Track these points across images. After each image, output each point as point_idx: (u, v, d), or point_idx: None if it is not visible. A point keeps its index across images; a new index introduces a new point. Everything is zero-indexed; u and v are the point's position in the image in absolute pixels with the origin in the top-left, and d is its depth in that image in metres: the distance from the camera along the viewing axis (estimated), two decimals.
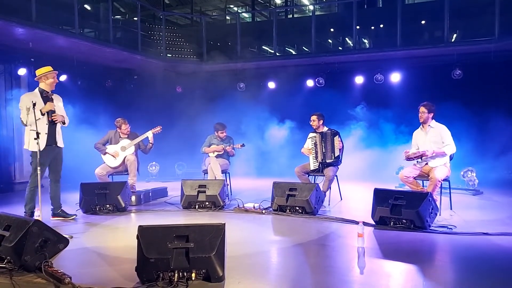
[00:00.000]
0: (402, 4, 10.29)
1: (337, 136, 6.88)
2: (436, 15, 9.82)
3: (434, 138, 6.06)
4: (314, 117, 7.07)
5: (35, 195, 5.58)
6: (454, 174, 6.68)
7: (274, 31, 10.79)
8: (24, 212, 5.63)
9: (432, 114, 6.13)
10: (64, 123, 5.87)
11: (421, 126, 6.29)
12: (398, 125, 9.96)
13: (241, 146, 7.82)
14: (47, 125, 5.61)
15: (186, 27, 15.54)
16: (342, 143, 6.94)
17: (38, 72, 5.67)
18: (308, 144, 7.05)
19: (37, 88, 5.69)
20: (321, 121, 7.06)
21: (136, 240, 3.39)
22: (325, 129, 7.07)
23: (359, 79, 10.38)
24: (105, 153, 7.33)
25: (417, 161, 6.09)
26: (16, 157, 9.37)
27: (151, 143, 7.45)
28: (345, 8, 12.54)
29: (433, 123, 6.15)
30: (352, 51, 10.86)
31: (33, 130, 5.23)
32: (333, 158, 6.80)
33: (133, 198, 6.95)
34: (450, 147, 5.94)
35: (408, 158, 6.06)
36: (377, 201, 5.28)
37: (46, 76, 5.65)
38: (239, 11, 17.68)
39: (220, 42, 12.44)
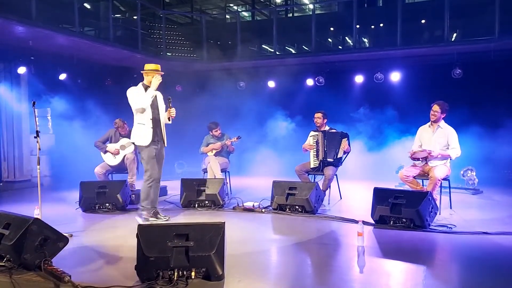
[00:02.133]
0: (402, 3, 10.27)
1: (346, 138, 6.88)
2: (436, 14, 9.81)
3: (441, 139, 6.01)
4: (319, 115, 7.07)
5: (156, 190, 5.70)
6: (454, 173, 6.67)
7: (274, 30, 10.77)
8: (143, 208, 5.61)
9: (444, 114, 6.04)
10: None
11: (429, 123, 6.18)
12: (398, 124, 9.96)
13: (237, 138, 7.80)
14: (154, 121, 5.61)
15: (186, 25, 15.51)
16: (350, 147, 6.94)
17: (148, 66, 5.63)
18: (310, 142, 7.05)
19: (141, 83, 5.63)
20: (325, 120, 7.09)
21: (136, 239, 3.39)
22: (327, 128, 7.09)
23: (359, 78, 10.37)
24: (105, 151, 7.33)
25: (422, 161, 6.06)
26: (16, 157, 9.36)
27: None
28: (345, 7, 12.53)
29: (442, 123, 6.07)
30: (352, 50, 10.85)
31: (142, 124, 5.45)
32: (335, 158, 6.80)
33: (133, 196, 6.94)
34: (456, 150, 5.90)
35: (414, 158, 6.03)
36: (377, 200, 5.28)
37: (148, 73, 5.60)
38: (239, 9, 17.67)
39: (220, 41, 12.43)
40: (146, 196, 5.64)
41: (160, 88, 11.72)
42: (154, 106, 5.62)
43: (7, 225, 3.75)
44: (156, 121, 5.62)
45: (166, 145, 5.85)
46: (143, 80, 5.67)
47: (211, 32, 12.05)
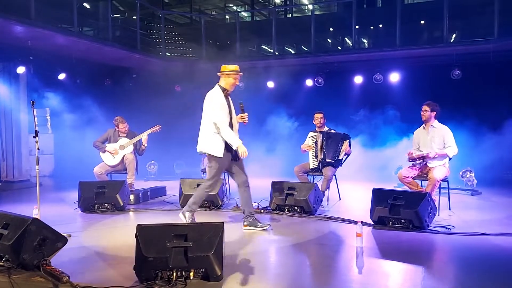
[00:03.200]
0: (402, 4, 10.29)
1: (348, 140, 6.90)
2: (435, 15, 9.82)
3: (436, 138, 6.05)
4: (319, 115, 7.08)
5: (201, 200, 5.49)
6: (452, 174, 6.68)
7: (273, 30, 10.77)
8: (191, 209, 5.27)
9: (434, 113, 6.11)
10: None
11: (423, 125, 6.26)
12: (396, 125, 9.97)
13: None
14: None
15: (185, 26, 15.52)
16: (351, 149, 6.96)
17: (224, 68, 5.24)
18: (309, 142, 7.06)
19: (217, 85, 5.25)
20: (325, 120, 7.10)
21: (135, 239, 3.39)
22: (326, 128, 7.09)
23: (358, 79, 10.38)
24: (104, 151, 7.32)
25: (419, 163, 6.07)
26: (15, 156, 9.35)
27: (144, 145, 7.40)
28: (345, 7, 12.54)
29: (436, 123, 6.14)
30: (351, 50, 10.87)
31: (219, 134, 5.08)
32: (335, 159, 6.81)
33: (132, 197, 6.94)
34: (452, 148, 5.94)
35: (411, 160, 6.05)
36: (376, 201, 5.28)
37: (229, 74, 5.21)
38: (238, 10, 17.67)
39: (219, 41, 12.43)
40: (199, 200, 5.39)
41: (159, 88, 11.73)
42: (229, 113, 5.25)
43: (6, 225, 3.74)
44: (231, 129, 5.27)
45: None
46: (218, 82, 5.29)
47: (210, 33, 12.05)
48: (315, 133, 7.04)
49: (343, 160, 6.95)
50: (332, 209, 6.51)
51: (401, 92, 9.95)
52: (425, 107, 6.15)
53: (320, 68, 10.62)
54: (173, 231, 3.42)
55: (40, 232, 3.65)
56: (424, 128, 6.26)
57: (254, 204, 6.33)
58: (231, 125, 5.23)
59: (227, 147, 5.15)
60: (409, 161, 6.10)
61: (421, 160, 6.01)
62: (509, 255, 4.21)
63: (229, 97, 5.33)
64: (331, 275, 3.66)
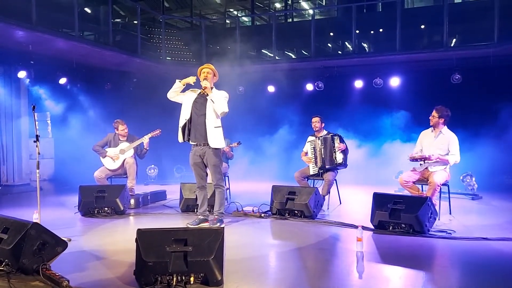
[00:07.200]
0: (402, 9, 10.32)
1: (337, 138, 6.87)
2: (435, 19, 9.85)
3: (441, 145, 6.02)
4: (316, 119, 7.08)
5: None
6: (453, 179, 6.68)
7: (273, 35, 10.80)
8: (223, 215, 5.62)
9: (443, 120, 6.07)
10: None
11: (432, 128, 6.23)
12: (397, 129, 9.97)
13: (237, 144, 7.75)
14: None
15: (186, 30, 15.56)
16: (345, 144, 6.92)
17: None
18: (307, 148, 7.06)
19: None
20: (323, 124, 7.10)
21: (135, 244, 3.38)
22: (324, 132, 7.09)
23: (358, 83, 10.40)
24: (105, 156, 7.32)
25: (420, 164, 6.08)
26: (15, 160, 9.35)
27: (146, 149, 7.41)
28: (345, 12, 12.58)
29: (444, 129, 6.10)
30: (351, 55, 10.88)
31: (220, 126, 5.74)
32: (336, 163, 6.78)
33: (132, 201, 6.94)
34: (455, 157, 5.92)
35: (413, 159, 6.05)
36: (376, 205, 5.27)
37: None
38: (238, 14, 17.71)
39: (219, 46, 12.46)
40: (224, 202, 5.70)
41: (159, 92, 11.77)
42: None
43: (6, 229, 3.74)
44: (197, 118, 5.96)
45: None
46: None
47: (211, 37, 12.08)
48: (313, 138, 7.04)
49: (345, 160, 6.90)
50: (332, 213, 6.50)
51: (402, 97, 9.96)
52: (433, 113, 6.10)
53: (320, 73, 10.64)
54: (173, 236, 3.42)
55: (40, 237, 3.65)
56: (432, 131, 6.22)
57: (255, 209, 6.36)
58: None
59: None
60: (410, 161, 6.09)
61: (422, 162, 6.02)
62: (510, 260, 4.19)
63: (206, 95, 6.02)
64: (331, 280, 3.65)
